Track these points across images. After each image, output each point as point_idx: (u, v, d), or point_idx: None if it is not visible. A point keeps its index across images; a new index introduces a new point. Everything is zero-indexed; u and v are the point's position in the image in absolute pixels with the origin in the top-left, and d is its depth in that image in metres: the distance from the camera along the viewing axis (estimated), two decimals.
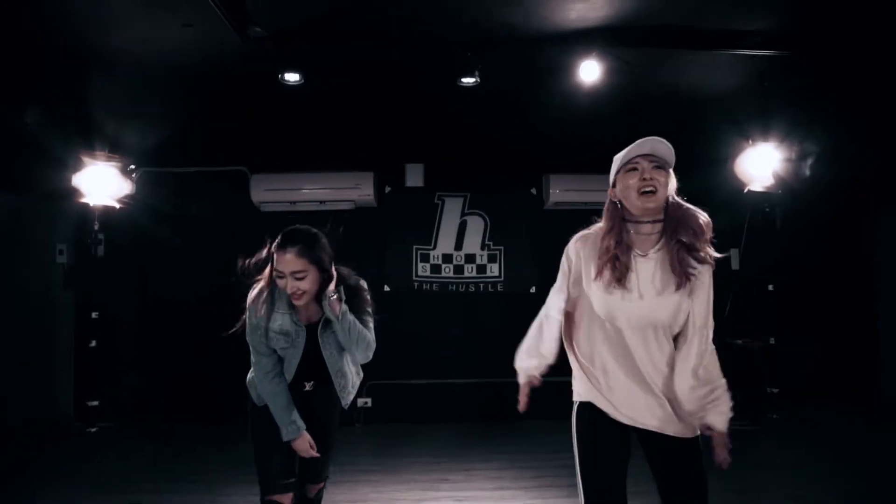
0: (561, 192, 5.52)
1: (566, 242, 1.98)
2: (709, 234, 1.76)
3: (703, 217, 1.77)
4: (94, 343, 4.75)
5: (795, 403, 5.47)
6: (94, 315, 4.79)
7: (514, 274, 5.63)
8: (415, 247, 5.65)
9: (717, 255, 1.77)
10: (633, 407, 1.79)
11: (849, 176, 5.61)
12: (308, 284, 2.05)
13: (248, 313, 2.15)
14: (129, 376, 5.34)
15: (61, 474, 4.01)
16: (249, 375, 2.29)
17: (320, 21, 3.02)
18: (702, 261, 1.73)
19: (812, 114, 4.66)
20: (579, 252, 1.86)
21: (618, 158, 1.84)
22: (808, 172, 4.98)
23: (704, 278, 1.77)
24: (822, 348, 6.21)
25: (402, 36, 3.16)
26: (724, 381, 1.80)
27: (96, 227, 4.78)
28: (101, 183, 4.55)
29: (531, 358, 1.97)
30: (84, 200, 4.59)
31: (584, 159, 5.50)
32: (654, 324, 1.78)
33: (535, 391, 2.01)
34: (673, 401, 1.78)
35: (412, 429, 5.24)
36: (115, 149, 4.58)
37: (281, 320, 2.12)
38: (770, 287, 5.22)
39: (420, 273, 5.64)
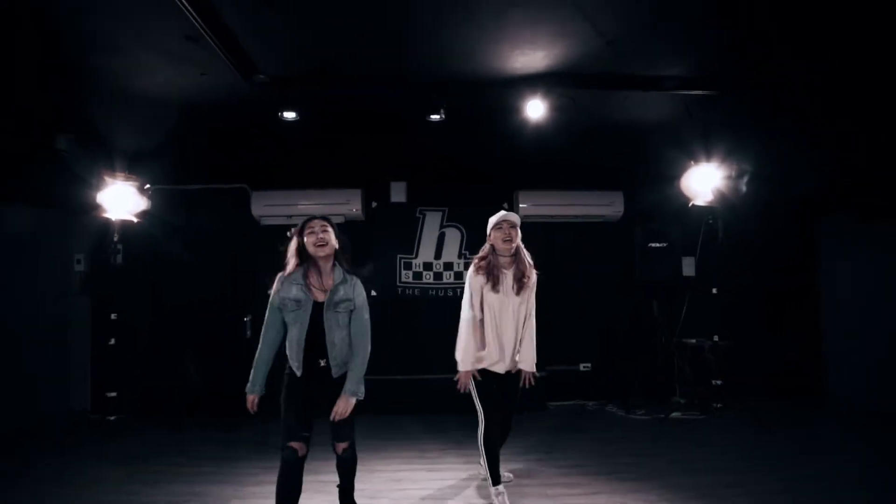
0: (529, 206, 6.17)
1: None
2: (530, 266, 3.45)
3: (528, 257, 3.48)
4: (112, 341, 5.32)
5: (747, 397, 6.04)
6: (113, 316, 5.36)
7: None
8: (398, 256, 6.28)
9: (536, 273, 3.48)
10: (499, 362, 3.43)
11: (786, 192, 6.29)
12: (330, 237, 2.93)
13: (272, 292, 2.93)
14: (142, 372, 5.94)
15: (89, 455, 4.62)
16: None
17: (314, 69, 3.67)
18: (525, 284, 3.42)
19: (746, 137, 5.31)
20: (477, 276, 3.45)
21: (492, 220, 3.50)
22: (744, 189, 5.62)
23: (533, 288, 3.47)
24: (773, 347, 6.85)
25: (381, 80, 3.82)
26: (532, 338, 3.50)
27: (116, 239, 5.35)
28: (121, 200, 5.14)
29: (469, 357, 3.46)
30: (106, 215, 5.18)
31: (549, 177, 6.19)
32: (513, 311, 3.41)
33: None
34: (514, 356, 3.45)
35: (396, 419, 5.81)
36: (133, 169, 5.18)
37: (294, 290, 2.87)
38: (714, 290, 5.81)
39: (403, 279, 6.27)
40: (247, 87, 3.72)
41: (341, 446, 3.03)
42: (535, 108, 3.86)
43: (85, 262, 6.36)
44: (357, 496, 3.32)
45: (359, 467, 4.14)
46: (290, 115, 3.89)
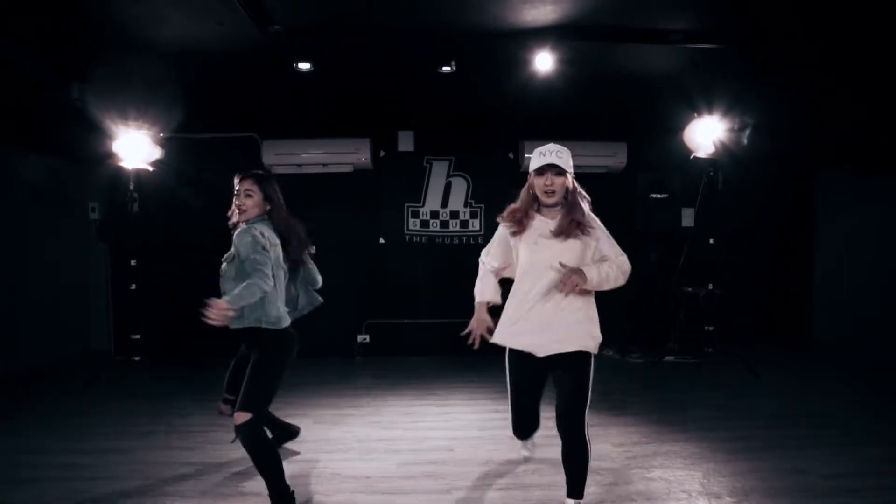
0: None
1: None
2: (588, 213, 2.60)
3: (587, 204, 2.63)
4: (133, 286, 5.54)
5: (738, 343, 6.34)
6: (132, 262, 5.56)
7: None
8: (406, 204, 6.43)
9: (597, 220, 2.65)
10: (529, 336, 2.60)
11: (786, 145, 6.38)
12: (251, 204, 2.84)
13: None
14: (160, 316, 6.19)
15: (124, 389, 4.97)
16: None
17: (327, 20, 3.73)
18: (587, 229, 2.58)
19: (749, 90, 5.38)
20: (501, 224, 2.74)
21: (533, 163, 2.58)
22: (745, 142, 5.72)
23: (597, 232, 2.61)
24: (766, 296, 7.12)
25: (393, 32, 3.88)
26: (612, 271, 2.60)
27: (131, 187, 5.48)
28: (136, 148, 5.23)
29: (478, 296, 2.86)
30: (121, 164, 5.29)
31: (555, 128, 6.23)
32: (553, 264, 2.50)
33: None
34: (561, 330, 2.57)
35: (405, 360, 6.14)
36: (147, 119, 5.26)
37: None
38: (711, 241, 6.00)
39: (411, 227, 6.45)
40: (261, 36, 3.79)
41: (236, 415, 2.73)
42: (544, 61, 3.94)
43: (99, 210, 6.53)
44: (374, 426, 3.64)
45: (376, 402, 4.49)
46: (304, 65, 3.98)
